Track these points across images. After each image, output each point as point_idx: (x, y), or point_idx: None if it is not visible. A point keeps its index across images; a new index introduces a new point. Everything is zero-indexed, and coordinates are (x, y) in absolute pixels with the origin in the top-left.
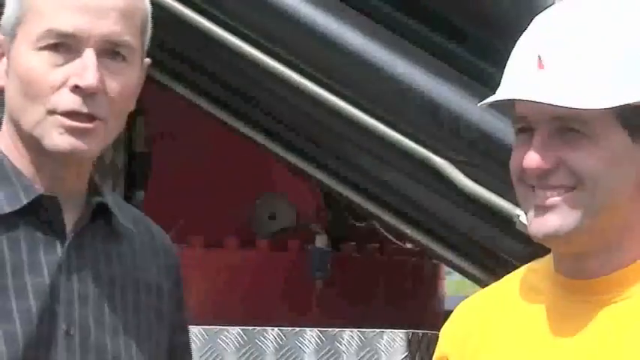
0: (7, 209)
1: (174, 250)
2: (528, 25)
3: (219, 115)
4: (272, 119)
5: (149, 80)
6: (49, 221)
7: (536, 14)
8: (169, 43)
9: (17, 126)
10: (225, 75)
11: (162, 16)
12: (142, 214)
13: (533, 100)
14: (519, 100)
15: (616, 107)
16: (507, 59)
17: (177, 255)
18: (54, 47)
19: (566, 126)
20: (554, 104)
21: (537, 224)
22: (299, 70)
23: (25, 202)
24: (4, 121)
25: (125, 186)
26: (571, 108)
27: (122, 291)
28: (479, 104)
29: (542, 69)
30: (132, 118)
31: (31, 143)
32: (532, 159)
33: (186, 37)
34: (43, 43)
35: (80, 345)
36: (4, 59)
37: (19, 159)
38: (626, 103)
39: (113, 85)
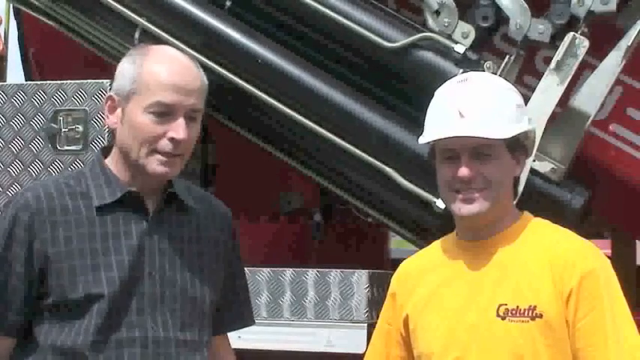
0: (109, 200)
1: (228, 215)
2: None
3: (258, 142)
4: (292, 147)
5: (219, 123)
6: (136, 206)
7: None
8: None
9: (125, 154)
10: (261, 118)
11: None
12: (208, 194)
13: (466, 135)
14: (456, 136)
15: (507, 138)
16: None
17: (231, 218)
18: (158, 112)
19: (481, 151)
20: (477, 136)
21: (466, 209)
22: (314, 121)
23: (119, 195)
24: (114, 148)
25: (201, 184)
26: (485, 138)
27: (189, 245)
28: (421, 141)
29: (463, 118)
30: (207, 144)
31: (135, 166)
32: (463, 171)
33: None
34: (152, 109)
35: (159, 281)
36: (119, 111)
37: (119, 170)
38: (512, 136)
39: (190, 134)
